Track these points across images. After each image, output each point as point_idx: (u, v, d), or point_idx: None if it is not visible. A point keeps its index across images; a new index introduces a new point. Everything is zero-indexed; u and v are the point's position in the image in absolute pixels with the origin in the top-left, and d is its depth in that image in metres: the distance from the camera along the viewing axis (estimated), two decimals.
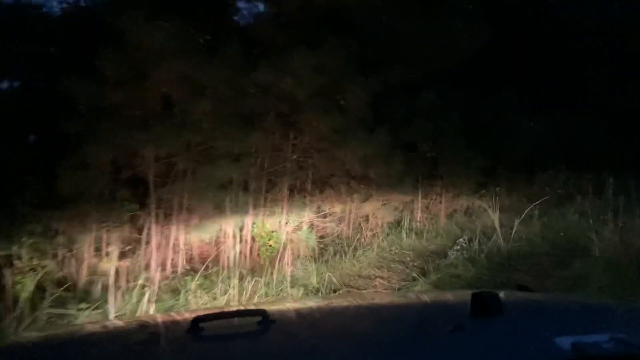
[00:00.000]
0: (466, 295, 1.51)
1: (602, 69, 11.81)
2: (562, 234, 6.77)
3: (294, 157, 6.33)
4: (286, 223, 6.24)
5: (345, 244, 6.72)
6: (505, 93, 10.07)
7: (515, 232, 6.55)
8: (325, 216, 6.97)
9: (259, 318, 1.44)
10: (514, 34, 11.13)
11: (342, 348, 1.31)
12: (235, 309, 2.35)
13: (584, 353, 1.08)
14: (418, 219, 8.13)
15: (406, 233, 7.39)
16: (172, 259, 5.95)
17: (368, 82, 6.28)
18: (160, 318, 2.27)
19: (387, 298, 2.80)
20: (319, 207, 6.87)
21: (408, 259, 6.32)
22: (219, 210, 5.88)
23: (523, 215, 6.75)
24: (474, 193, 9.01)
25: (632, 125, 11.43)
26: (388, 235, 7.27)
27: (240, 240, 6.28)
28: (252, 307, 1.82)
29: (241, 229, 6.33)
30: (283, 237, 5.96)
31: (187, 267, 5.84)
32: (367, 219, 7.59)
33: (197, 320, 1.40)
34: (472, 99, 9.39)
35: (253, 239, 6.41)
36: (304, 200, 6.62)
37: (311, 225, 6.68)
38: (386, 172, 7.10)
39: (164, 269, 5.81)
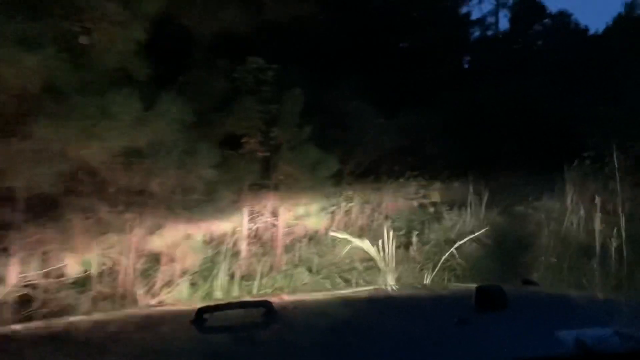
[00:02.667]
0: (471, 289, 1.49)
1: (450, 66, 10.88)
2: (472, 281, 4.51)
3: None
4: None
5: None
6: (351, 83, 8.12)
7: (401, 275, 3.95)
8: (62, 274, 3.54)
9: (263, 309, 1.42)
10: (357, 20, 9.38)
11: (345, 340, 1.28)
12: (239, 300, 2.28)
13: (588, 347, 1.05)
14: (244, 256, 5.15)
15: (225, 285, 4.33)
16: None
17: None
18: (164, 309, 2.22)
19: (392, 292, 2.46)
20: (48, 255, 3.42)
21: None
22: None
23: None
24: (322, 210, 6.44)
25: (481, 126, 10.48)
26: (195, 292, 4.13)
27: None
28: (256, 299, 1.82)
29: None
30: None
31: None
32: (157, 264, 4.38)
33: (202, 311, 1.38)
34: (313, 81, 7.03)
35: None
36: (18, 243, 3.13)
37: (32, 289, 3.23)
38: (187, 182, 4.05)
39: None
